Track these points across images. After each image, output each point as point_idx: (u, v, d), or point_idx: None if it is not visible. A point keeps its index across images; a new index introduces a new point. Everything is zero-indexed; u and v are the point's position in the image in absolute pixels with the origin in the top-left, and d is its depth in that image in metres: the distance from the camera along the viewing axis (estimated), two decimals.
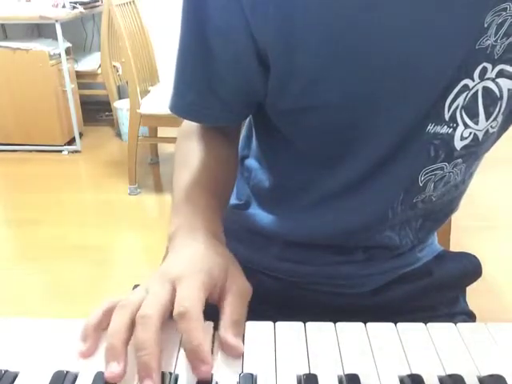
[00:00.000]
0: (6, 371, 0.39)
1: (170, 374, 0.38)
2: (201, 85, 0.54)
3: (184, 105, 0.57)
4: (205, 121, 0.60)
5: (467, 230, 1.96)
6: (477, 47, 0.46)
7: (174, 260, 0.46)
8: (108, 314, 0.41)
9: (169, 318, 0.41)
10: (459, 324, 0.45)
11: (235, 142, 0.65)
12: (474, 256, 0.67)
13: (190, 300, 0.40)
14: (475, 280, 0.67)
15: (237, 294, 0.44)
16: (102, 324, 0.41)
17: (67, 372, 0.39)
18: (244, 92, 0.54)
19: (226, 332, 0.41)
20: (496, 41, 0.46)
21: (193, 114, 0.58)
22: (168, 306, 0.40)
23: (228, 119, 0.58)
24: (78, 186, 2.60)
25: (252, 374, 0.39)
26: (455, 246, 0.82)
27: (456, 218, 0.84)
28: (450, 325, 0.45)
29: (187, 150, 0.61)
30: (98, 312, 0.42)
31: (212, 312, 0.43)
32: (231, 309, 0.42)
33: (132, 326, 0.39)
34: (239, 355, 0.40)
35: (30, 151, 2.89)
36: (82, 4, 2.89)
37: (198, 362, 0.38)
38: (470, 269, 0.66)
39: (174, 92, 0.57)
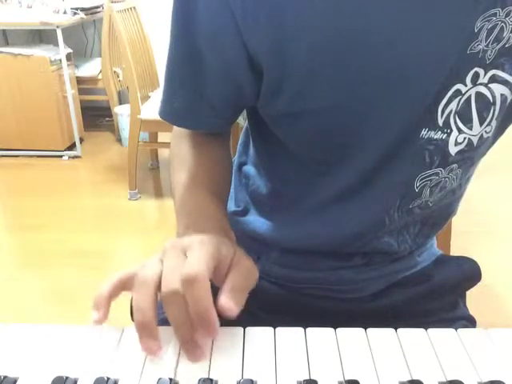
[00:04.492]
0: (5, 377, 0.39)
1: (170, 380, 0.38)
2: (189, 91, 0.55)
3: (172, 111, 0.58)
4: (192, 126, 0.60)
5: (467, 236, 1.96)
6: (468, 52, 0.46)
7: (184, 236, 0.47)
8: (121, 286, 0.43)
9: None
10: (459, 329, 0.45)
11: (226, 143, 0.65)
12: (473, 260, 0.66)
13: (200, 265, 0.40)
14: (475, 284, 0.66)
15: (242, 270, 0.44)
16: (115, 294, 0.43)
17: (67, 378, 0.38)
18: (233, 98, 0.54)
19: (223, 294, 0.41)
20: (487, 46, 0.46)
21: (180, 119, 0.59)
22: None
23: (215, 125, 0.59)
24: (78, 191, 2.60)
25: (252, 380, 0.39)
26: (455, 252, 0.82)
27: (456, 224, 0.84)
28: (451, 330, 0.45)
29: (182, 152, 0.61)
30: (112, 283, 0.43)
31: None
32: (233, 280, 0.42)
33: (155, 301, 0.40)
34: (232, 317, 0.40)
35: (31, 156, 2.89)
36: (83, 10, 2.90)
37: (206, 328, 0.39)
38: (469, 273, 0.66)
39: (163, 98, 0.58)
